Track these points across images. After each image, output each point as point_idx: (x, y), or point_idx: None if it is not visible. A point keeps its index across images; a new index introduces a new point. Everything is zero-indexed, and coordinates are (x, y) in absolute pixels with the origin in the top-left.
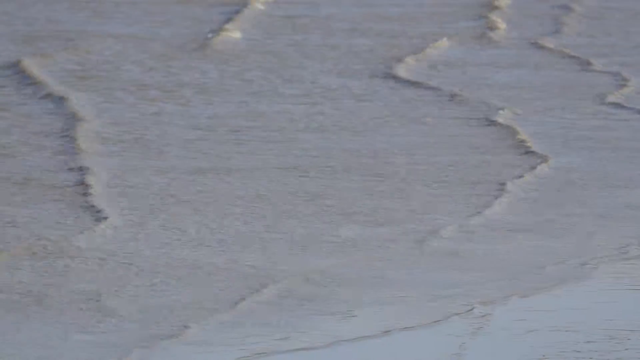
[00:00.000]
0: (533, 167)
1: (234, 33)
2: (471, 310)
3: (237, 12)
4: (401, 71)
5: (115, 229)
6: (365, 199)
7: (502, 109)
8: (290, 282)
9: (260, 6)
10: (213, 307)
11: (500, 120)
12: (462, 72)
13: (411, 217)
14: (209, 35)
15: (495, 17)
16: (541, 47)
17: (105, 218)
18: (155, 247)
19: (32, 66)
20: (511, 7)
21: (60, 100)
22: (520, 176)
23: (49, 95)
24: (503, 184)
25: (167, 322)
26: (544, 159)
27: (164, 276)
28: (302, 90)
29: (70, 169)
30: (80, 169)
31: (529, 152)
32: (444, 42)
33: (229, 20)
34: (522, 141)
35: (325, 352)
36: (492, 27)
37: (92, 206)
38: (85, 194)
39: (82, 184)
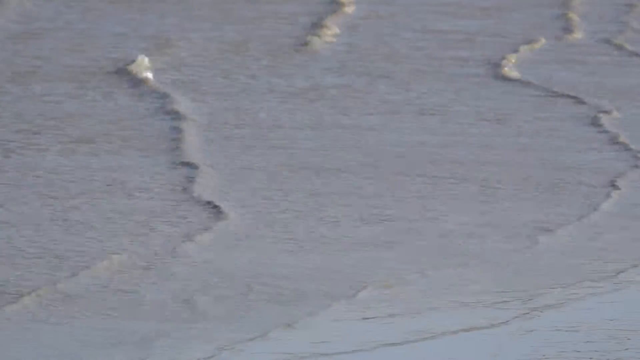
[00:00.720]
0: (633, 167)
1: (331, 32)
2: (521, 315)
3: (329, 13)
4: (502, 69)
5: (219, 229)
6: (451, 198)
7: (600, 108)
8: (347, 288)
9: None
10: (290, 311)
11: (599, 119)
12: (553, 71)
13: (509, 218)
14: (307, 37)
15: (572, 15)
16: (619, 47)
17: (211, 218)
18: (258, 250)
19: (136, 66)
20: (583, 5)
21: (164, 98)
22: (622, 174)
23: (152, 94)
24: (613, 184)
25: (251, 325)
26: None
27: (257, 281)
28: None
29: (180, 168)
30: (188, 166)
31: (627, 149)
32: (540, 40)
33: (320, 20)
34: (620, 140)
35: (370, 355)
36: (571, 27)
37: (201, 206)
38: (192, 193)
39: (191, 183)
